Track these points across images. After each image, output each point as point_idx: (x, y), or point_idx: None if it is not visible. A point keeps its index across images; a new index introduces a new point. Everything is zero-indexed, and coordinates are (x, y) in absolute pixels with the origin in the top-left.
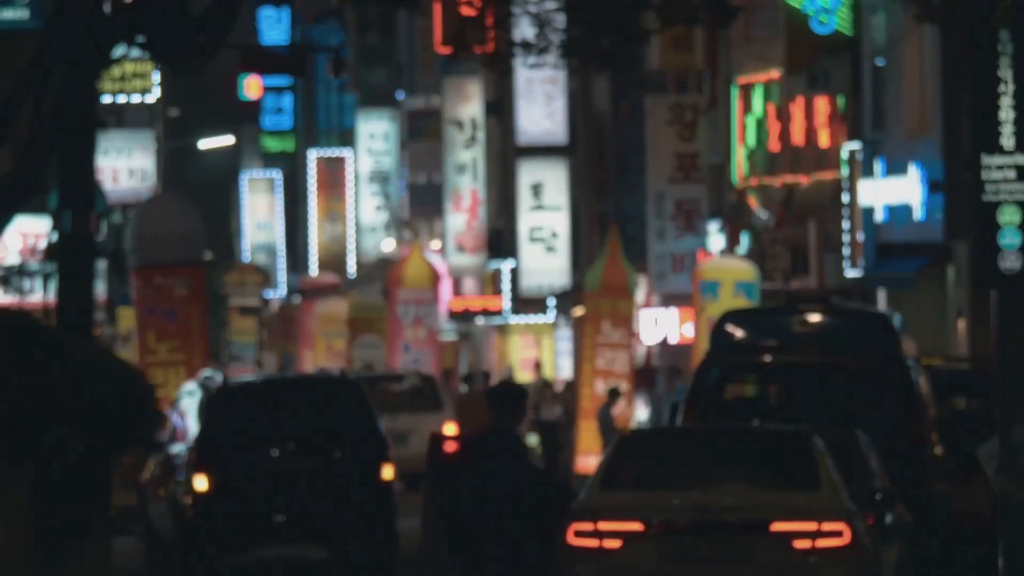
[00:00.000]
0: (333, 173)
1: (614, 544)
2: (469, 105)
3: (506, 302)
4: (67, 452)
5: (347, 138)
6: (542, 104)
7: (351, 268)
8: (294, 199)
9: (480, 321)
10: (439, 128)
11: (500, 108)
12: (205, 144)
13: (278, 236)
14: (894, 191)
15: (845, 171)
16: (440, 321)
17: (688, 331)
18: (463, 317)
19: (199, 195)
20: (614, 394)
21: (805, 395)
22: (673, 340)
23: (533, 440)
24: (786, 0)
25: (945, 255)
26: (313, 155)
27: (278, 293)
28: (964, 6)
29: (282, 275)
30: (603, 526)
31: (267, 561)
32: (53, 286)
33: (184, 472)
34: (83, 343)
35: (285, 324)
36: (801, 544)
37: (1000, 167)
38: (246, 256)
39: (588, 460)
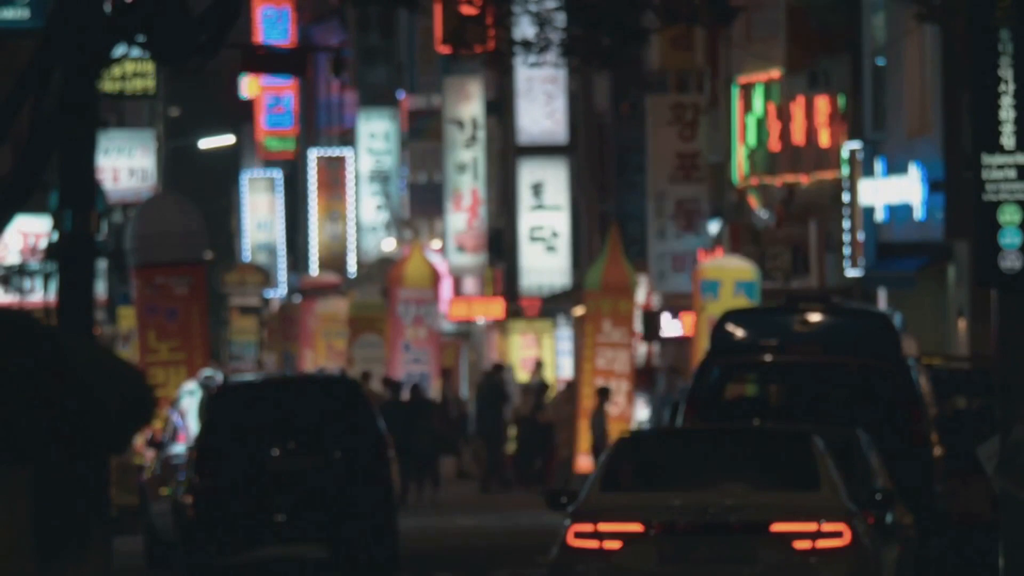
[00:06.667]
0: (333, 172)
1: (614, 545)
2: (469, 104)
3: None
4: (66, 452)
5: (347, 138)
6: (542, 103)
7: (351, 268)
8: (294, 199)
9: (480, 320)
10: (439, 127)
11: (500, 107)
12: (205, 144)
13: (278, 235)
14: (894, 191)
15: (845, 171)
16: (440, 321)
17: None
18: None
19: (199, 195)
20: (604, 393)
21: (805, 395)
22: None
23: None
24: None
25: (945, 255)
26: (313, 154)
27: (278, 293)
28: (964, 6)
29: (282, 274)
30: (603, 527)
31: (267, 561)
32: (53, 286)
33: (184, 472)
34: (83, 343)
35: (285, 324)
36: (801, 544)
37: (1000, 166)
38: (246, 255)
39: (588, 460)
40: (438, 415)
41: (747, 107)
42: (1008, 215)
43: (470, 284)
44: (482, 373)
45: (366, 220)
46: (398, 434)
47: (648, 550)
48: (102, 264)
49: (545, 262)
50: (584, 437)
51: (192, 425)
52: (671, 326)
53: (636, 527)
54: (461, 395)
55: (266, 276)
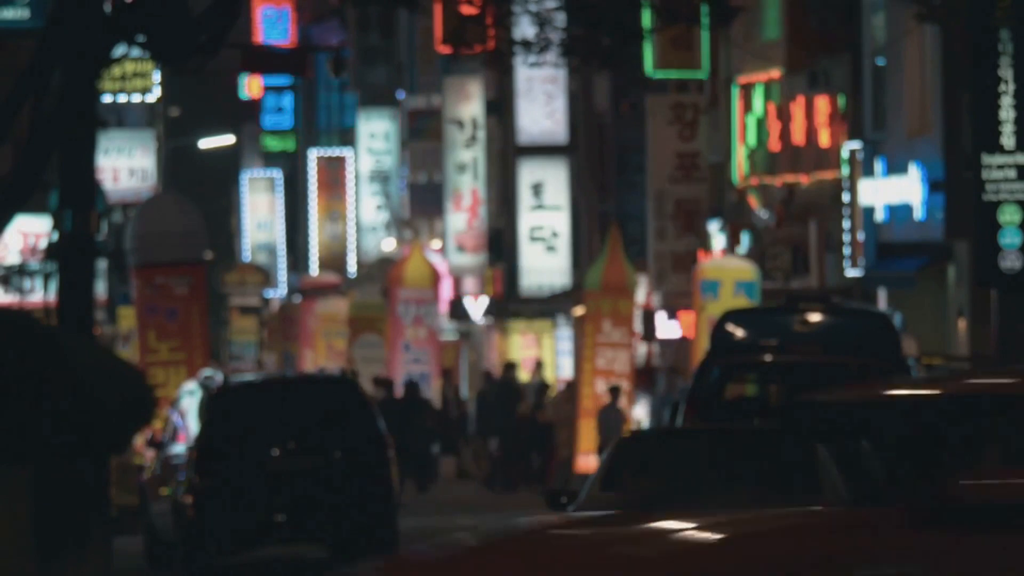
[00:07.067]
0: (333, 172)
1: None
2: (469, 104)
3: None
4: (66, 452)
5: (347, 137)
6: (542, 103)
7: (351, 268)
8: (294, 198)
9: (480, 321)
10: (439, 127)
11: (500, 107)
12: (205, 144)
13: (278, 235)
14: (894, 191)
15: (845, 171)
16: (440, 321)
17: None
18: (463, 314)
19: (199, 195)
20: (615, 392)
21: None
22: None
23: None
24: None
25: (945, 254)
26: (313, 154)
27: (278, 292)
28: (964, 6)
29: (282, 274)
30: None
31: (267, 561)
32: (53, 286)
33: (184, 472)
34: (83, 343)
35: (285, 324)
36: None
37: (1000, 166)
38: (246, 255)
39: (588, 460)
40: (435, 414)
41: (747, 107)
42: (1008, 215)
43: (470, 284)
44: (487, 372)
45: (366, 220)
46: (393, 432)
47: None
48: (102, 264)
49: (545, 262)
50: (585, 437)
51: (192, 425)
52: (668, 326)
53: None
54: (461, 395)
55: (266, 276)
